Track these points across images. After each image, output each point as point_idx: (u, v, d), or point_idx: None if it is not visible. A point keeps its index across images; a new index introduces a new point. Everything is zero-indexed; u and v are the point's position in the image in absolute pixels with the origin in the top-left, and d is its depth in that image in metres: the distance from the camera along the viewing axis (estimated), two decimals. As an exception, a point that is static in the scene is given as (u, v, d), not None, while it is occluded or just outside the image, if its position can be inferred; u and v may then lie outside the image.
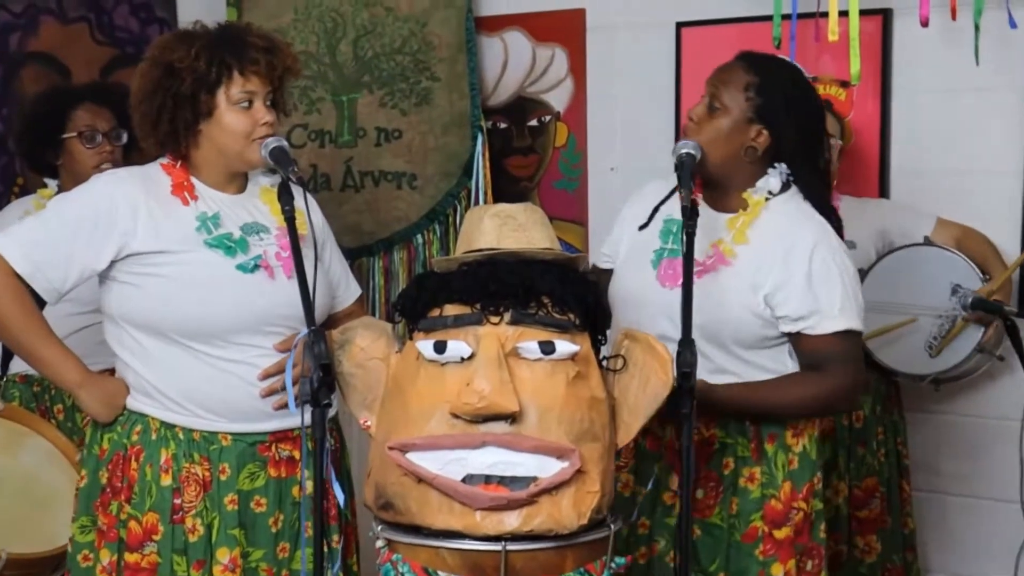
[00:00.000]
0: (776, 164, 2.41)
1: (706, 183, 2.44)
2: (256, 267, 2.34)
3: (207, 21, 2.43)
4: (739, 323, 2.36)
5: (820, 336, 2.33)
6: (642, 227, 2.48)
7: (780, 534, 2.38)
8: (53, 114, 3.12)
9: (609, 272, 2.58)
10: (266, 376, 2.33)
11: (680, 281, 2.19)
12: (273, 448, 2.36)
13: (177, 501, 2.31)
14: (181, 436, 2.33)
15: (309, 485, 2.15)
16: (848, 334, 2.35)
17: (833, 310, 2.33)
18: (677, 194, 2.39)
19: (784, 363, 2.41)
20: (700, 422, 2.37)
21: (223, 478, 2.34)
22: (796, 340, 2.36)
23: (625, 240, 2.55)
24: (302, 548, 2.33)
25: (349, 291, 2.63)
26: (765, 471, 2.39)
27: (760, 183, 2.41)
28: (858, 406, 2.41)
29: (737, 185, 2.42)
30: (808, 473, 2.42)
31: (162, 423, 2.34)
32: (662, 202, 2.46)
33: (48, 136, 3.10)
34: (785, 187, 2.42)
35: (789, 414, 2.39)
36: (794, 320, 2.34)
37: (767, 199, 2.40)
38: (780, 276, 2.34)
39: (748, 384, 2.37)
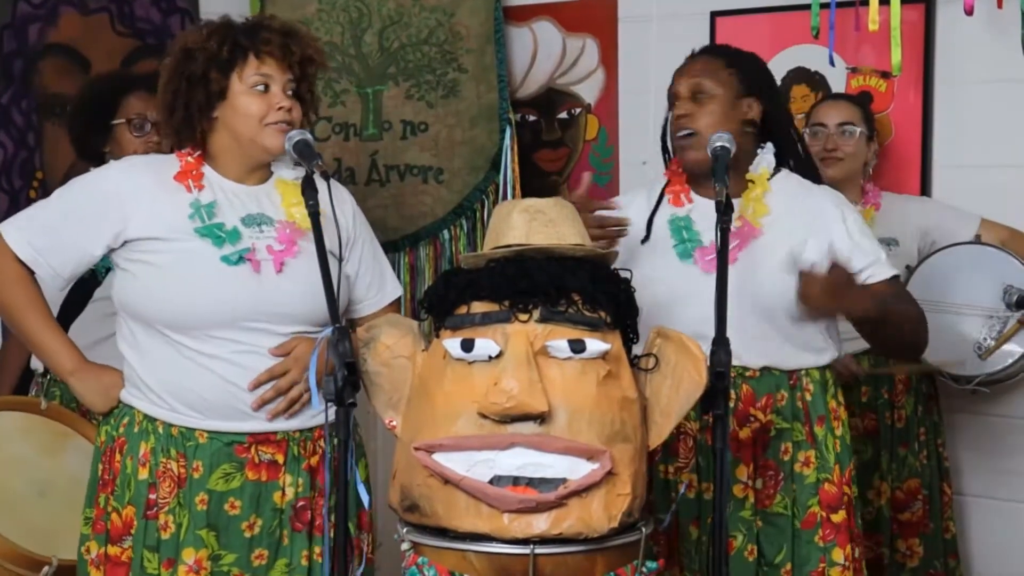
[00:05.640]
0: (762, 144, 2.49)
1: (696, 176, 2.48)
2: (241, 259, 2.27)
3: (230, 10, 2.39)
4: (786, 294, 2.37)
5: (881, 282, 2.44)
6: (644, 240, 2.50)
7: (837, 518, 2.42)
8: (105, 99, 3.11)
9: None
10: (257, 385, 2.27)
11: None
12: (253, 450, 2.30)
13: (152, 496, 2.28)
14: (160, 430, 2.30)
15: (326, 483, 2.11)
16: (898, 279, 2.51)
17: (881, 258, 2.47)
18: (666, 197, 2.51)
19: (827, 342, 2.48)
20: (756, 409, 2.41)
21: (196, 476, 2.29)
22: None
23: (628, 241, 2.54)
24: (324, 547, 2.27)
25: (384, 292, 2.52)
26: (818, 454, 2.43)
27: (756, 161, 2.49)
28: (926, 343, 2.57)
29: (742, 166, 2.47)
30: (847, 457, 2.48)
31: (144, 416, 2.31)
32: (654, 211, 2.51)
33: (98, 121, 3.08)
34: (776, 169, 2.50)
35: (912, 329, 2.47)
36: (856, 273, 2.39)
37: (769, 176, 2.48)
38: (823, 242, 2.39)
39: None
